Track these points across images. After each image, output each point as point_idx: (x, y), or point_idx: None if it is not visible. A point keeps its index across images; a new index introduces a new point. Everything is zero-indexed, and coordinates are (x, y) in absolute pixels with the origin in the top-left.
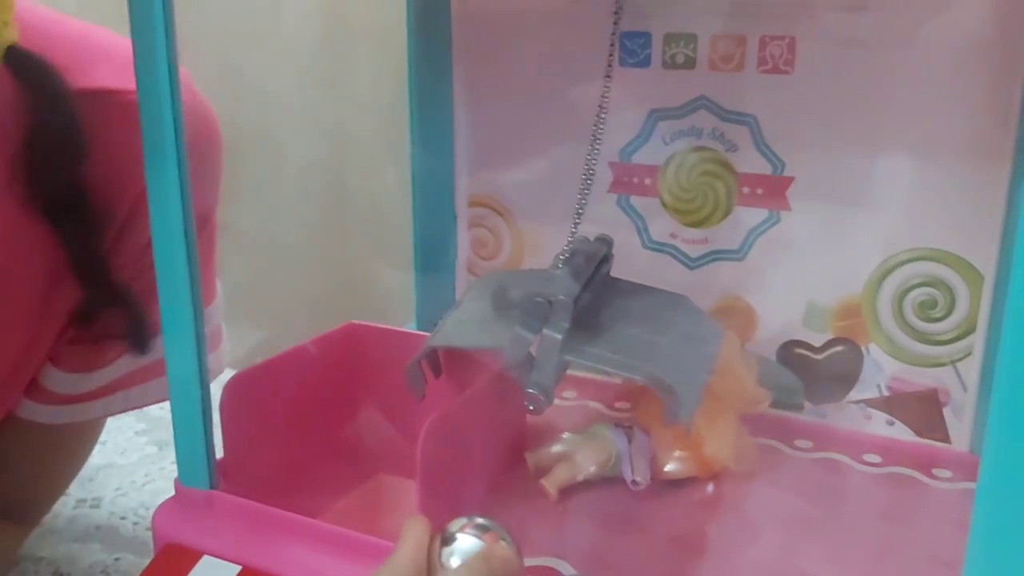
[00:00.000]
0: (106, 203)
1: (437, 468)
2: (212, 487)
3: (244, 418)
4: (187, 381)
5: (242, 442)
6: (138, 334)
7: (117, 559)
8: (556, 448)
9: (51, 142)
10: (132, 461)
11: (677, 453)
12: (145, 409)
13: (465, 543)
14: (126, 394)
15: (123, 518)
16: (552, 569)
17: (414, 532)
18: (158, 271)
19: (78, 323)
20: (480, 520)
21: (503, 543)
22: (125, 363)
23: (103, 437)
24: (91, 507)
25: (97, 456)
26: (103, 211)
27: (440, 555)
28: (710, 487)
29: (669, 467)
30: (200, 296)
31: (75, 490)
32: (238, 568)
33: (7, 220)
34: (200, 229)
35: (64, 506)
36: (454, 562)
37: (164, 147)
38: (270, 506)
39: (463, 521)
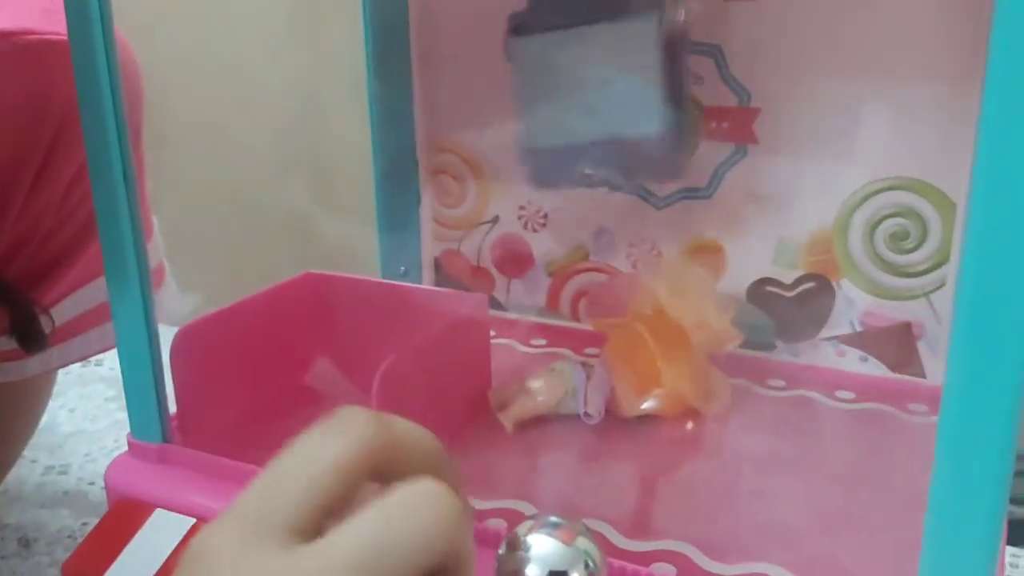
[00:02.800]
0: (2, 189)
1: (394, 413)
2: (165, 440)
3: (196, 370)
4: (135, 330)
5: (195, 395)
6: (27, 331)
7: (84, 524)
8: (517, 386)
9: None
10: (101, 427)
11: (638, 391)
12: (116, 376)
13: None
14: (62, 348)
15: (91, 483)
16: (515, 511)
17: (356, 432)
18: (98, 214)
19: None
20: (552, 518)
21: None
22: (56, 315)
23: (72, 405)
24: (59, 473)
25: (66, 423)
26: None
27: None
28: (689, 425)
29: (629, 404)
30: (143, 241)
31: (43, 457)
32: (192, 520)
33: None
34: None
35: (32, 473)
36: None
37: (98, 81)
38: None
39: (529, 522)
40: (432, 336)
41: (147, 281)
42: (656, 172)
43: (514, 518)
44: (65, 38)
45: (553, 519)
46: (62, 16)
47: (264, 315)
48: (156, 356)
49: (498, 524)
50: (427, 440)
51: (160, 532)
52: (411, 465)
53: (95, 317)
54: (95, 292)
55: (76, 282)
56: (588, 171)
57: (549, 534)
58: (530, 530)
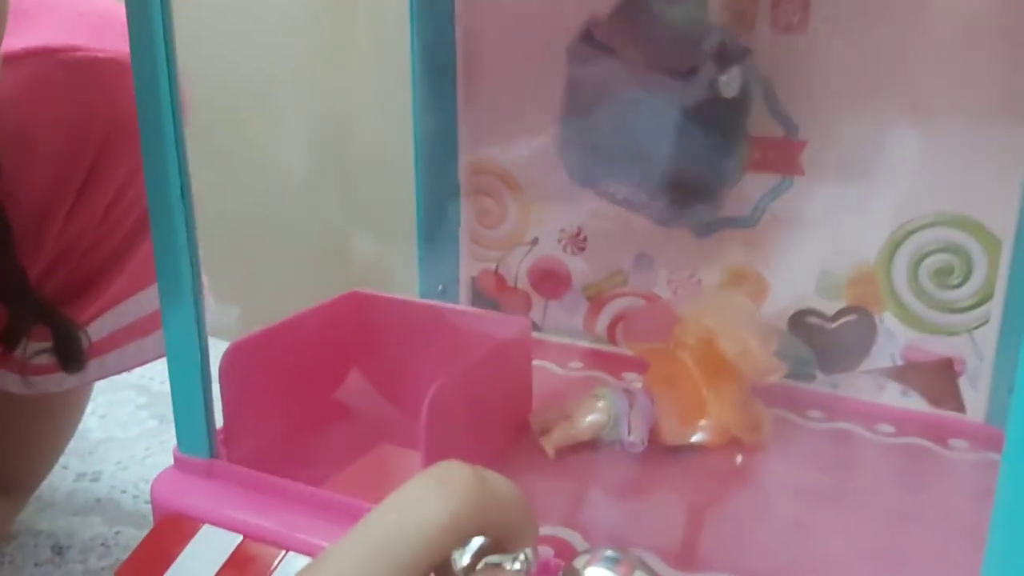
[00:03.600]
0: (39, 209)
1: (442, 438)
2: (212, 455)
3: (244, 386)
4: (185, 345)
5: (242, 411)
6: (67, 351)
7: (117, 532)
8: (559, 410)
9: None
10: (133, 435)
11: (682, 419)
12: (146, 383)
13: None
14: (101, 361)
15: (123, 491)
16: (559, 538)
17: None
18: (154, 232)
19: (4, 343)
20: (608, 552)
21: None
22: (94, 331)
23: (103, 411)
24: (91, 480)
25: (97, 430)
26: (38, 224)
27: None
28: (739, 458)
29: (672, 433)
30: (198, 256)
31: (75, 464)
32: (240, 537)
33: None
34: None
35: (64, 480)
36: None
37: (160, 105)
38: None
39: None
40: (479, 360)
41: (200, 296)
42: (699, 200)
43: (559, 546)
44: (112, 55)
45: (609, 552)
46: (110, 32)
47: (310, 333)
48: (206, 371)
49: (545, 552)
50: (515, 492)
51: (208, 548)
52: (505, 520)
53: (133, 332)
54: (134, 307)
55: (115, 297)
56: (612, 188)
57: (608, 568)
58: (587, 563)
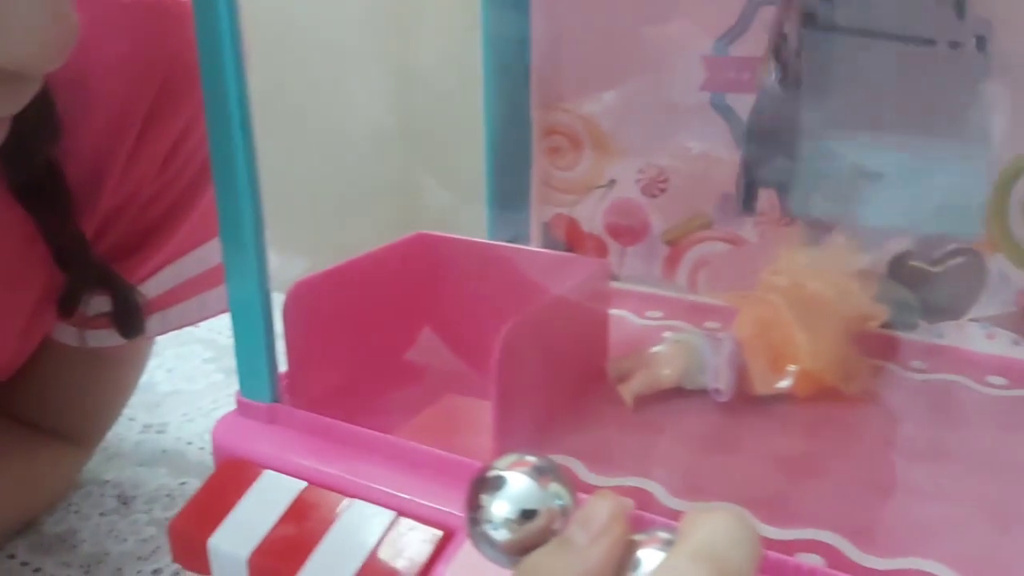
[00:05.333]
0: (96, 161)
1: (513, 383)
2: (274, 400)
3: (307, 327)
4: (247, 287)
5: (305, 354)
6: (126, 317)
7: (183, 483)
8: (638, 357)
9: (26, 125)
10: (199, 387)
11: (773, 367)
12: (214, 337)
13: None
14: (163, 316)
15: (189, 443)
16: (641, 489)
17: (613, 526)
18: (216, 176)
19: (63, 309)
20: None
21: (555, 485)
22: (155, 285)
23: (170, 365)
24: (157, 432)
25: (164, 383)
26: (93, 179)
27: None
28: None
29: (762, 382)
30: (260, 201)
31: (142, 415)
32: (303, 484)
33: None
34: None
35: (130, 431)
36: None
37: (219, 37)
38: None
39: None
40: (553, 299)
41: (262, 240)
42: None
43: (641, 497)
44: (167, 1)
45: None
46: None
47: (375, 274)
48: (268, 312)
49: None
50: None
51: (270, 493)
52: None
53: (195, 286)
54: (196, 261)
55: (176, 252)
56: None
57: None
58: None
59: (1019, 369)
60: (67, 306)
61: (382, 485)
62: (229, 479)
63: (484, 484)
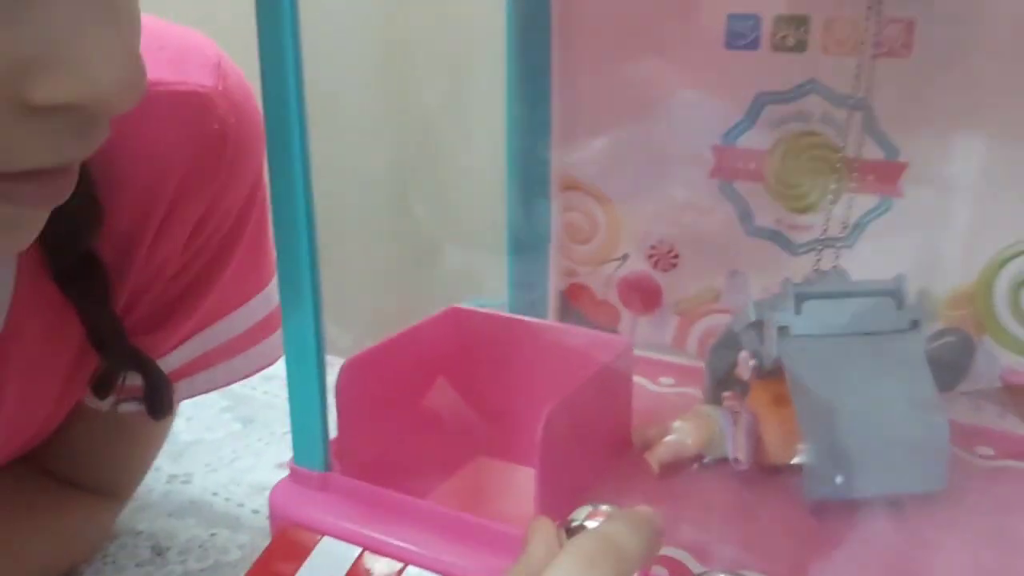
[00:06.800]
0: (125, 243)
1: (555, 456)
2: (326, 468)
3: (358, 400)
4: (305, 360)
5: (355, 424)
6: (157, 400)
7: (213, 534)
8: (661, 426)
9: (69, 211)
10: (219, 436)
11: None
12: (230, 388)
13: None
14: (190, 382)
15: (215, 494)
16: (673, 559)
17: (543, 531)
18: (277, 243)
19: (97, 391)
20: (604, 506)
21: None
22: (182, 355)
23: (189, 413)
24: (183, 483)
25: (185, 432)
26: (121, 259)
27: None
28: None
29: (777, 453)
30: (318, 272)
31: (167, 465)
32: (359, 549)
33: (38, 286)
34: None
35: (157, 481)
36: None
37: (287, 103)
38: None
39: (588, 509)
40: (585, 381)
41: (319, 310)
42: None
43: (673, 567)
44: (192, 88)
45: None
46: (190, 64)
47: (414, 348)
48: (323, 389)
49: (660, 572)
50: (641, 542)
51: (329, 559)
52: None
53: (221, 354)
54: (223, 330)
55: (203, 321)
56: None
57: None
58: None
59: (1004, 440)
60: (101, 389)
61: (433, 552)
62: (289, 545)
63: (571, 533)
